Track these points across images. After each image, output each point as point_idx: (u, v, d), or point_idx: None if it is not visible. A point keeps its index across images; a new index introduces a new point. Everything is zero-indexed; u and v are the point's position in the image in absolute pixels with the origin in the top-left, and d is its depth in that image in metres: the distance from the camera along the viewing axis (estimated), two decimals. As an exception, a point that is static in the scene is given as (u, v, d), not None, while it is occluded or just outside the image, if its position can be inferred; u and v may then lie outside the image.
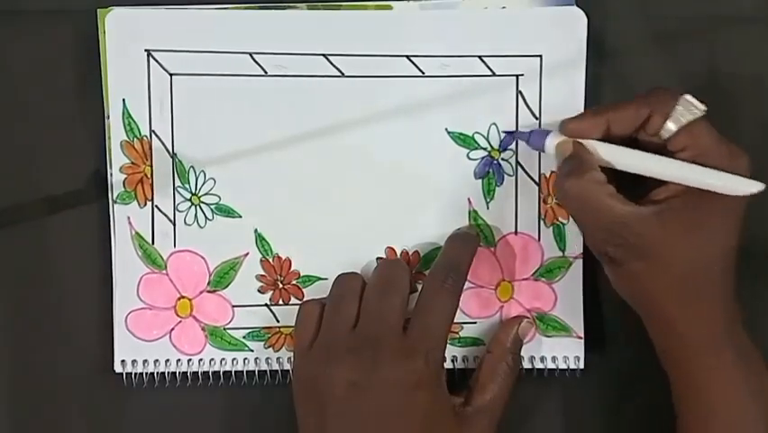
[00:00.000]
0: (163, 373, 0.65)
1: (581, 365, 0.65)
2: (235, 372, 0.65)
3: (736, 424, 0.56)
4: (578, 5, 0.63)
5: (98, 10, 0.62)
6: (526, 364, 0.65)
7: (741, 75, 0.66)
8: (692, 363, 0.57)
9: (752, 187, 0.54)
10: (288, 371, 0.65)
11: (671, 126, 0.56)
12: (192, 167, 0.64)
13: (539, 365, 0.65)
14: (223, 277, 0.64)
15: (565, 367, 0.65)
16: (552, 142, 0.59)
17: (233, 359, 0.65)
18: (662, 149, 0.57)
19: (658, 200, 0.56)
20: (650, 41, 0.66)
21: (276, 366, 0.65)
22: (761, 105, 0.66)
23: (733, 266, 0.57)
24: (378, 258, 0.64)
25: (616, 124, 0.57)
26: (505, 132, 0.64)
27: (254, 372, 0.66)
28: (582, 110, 0.64)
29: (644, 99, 0.57)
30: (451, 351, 0.65)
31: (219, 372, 0.65)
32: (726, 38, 0.66)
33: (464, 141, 0.64)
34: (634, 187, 0.58)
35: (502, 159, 0.64)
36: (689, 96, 0.56)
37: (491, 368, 0.62)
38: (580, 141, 0.58)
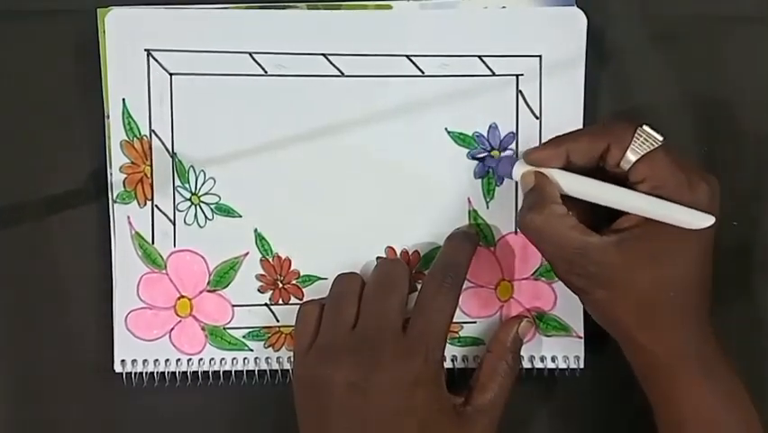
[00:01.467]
0: (163, 373, 0.65)
1: (581, 365, 0.65)
2: (235, 371, 0.65)
3: None
4: (578, 5, 0.63)
5: (98, 10, 0.63)
6: (526, 364, 0.65)
7: (741, 75, 0.66)
8: (661, 381, 0.57)
9: (703, 221, 0.55)
10: (288, 370, 0.65)
11: (630, 157, 0.56)
12: (192, 166, 0.64)
13: (539, 365, 0.65)
14: (222, 277, 0.64)
15: (565, 367, 0.65)
16: (517, 171, 0.59)
17: (233, 359, 0.65)
18: (626, 179, 0.57)
19: (619, 229, 0.57)
20: (650, 42, 0.66)
21: (276, 366, 0.65)
22: (761, 106, 0.66)
23: (703, 291, 0.57)
24: (378, 258, 0.64)
25: (575, 155, 0.58)
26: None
27: (254, 371, 0.66)
28: (582, 110, 0.64)
29: (602, 130, 0.58)
30: (451, 350, 0.65)
31: (219, 371, 0.65)
32: (727, 38, 0.66)
33: (464, 140, 0.64)
34: (606, 215, 0.58)
35: (501, 158, 0.64)
36: (646, 127, 0.56)
37: (491, 368, 0.62)
38: (542, 172, 0.58)
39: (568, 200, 0.58)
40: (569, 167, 0.58)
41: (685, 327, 0.57)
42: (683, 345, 0.56)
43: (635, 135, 0.56)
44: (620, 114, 0.66)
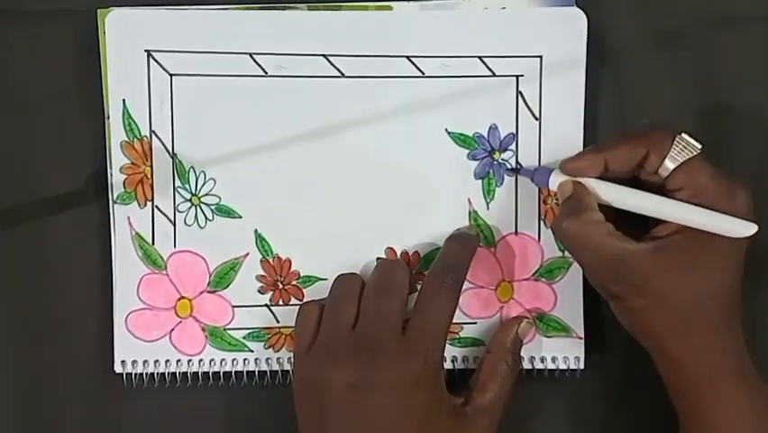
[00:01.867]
0: (163, 374, 0.65)
1: (581, 366, 0.65)
2: (235, 372, 0.65)
3: None
4: (578, 6, 0.63)
5: (98, 10, 0.62)
6: (527, 365, 0.65)
7: (741, 75, 0.66)
8: (694, 392, 0.58)
9: (747, 229, 0.55)
10: (289, 371, 0.65)
11: (668, 165, 0.57)
12: (192, 167, 0.64)
13: (539, 366, 0.65)
14: (223, 277, 0.64)
15: (565, 368, 0.65)
16: (555, 180, 0.60)
17: (234, 360, 0.65)
18: (661, 187, 0.58)
19: (657, 237, 0.57)
20: (650, 41, 0.66)
21: (276, 367, 0.65)
22: (761, 106, 0.66)
23: (735, 301, 0.57)
24: (378, 258, 0.64)
25: (614, 163, 0.58)
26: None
27: (254, 372, 0.66)
28: (582, 111, 0.64)
29: (641, 138, 0.58)
30: (451, 351, 0.65)
31: (219, 372, 0.65)
32: (727, 38, 0.66)
33: (464, 141, 0.64)
34: (639, 223, 0.59)
35: (502, 159, 0.64)
36: (686, 135, 0.57)
37: (491, 368, 0.62)
38: (579, 180, 0.59)
39: (602, 210, 0.58)
40: (605, 176, 0.59)
41: (720, 337, 0.57)
42: (718, 355, 0.57)
43: (674, 143, 0.56)
44: (620, 114, 0.66)
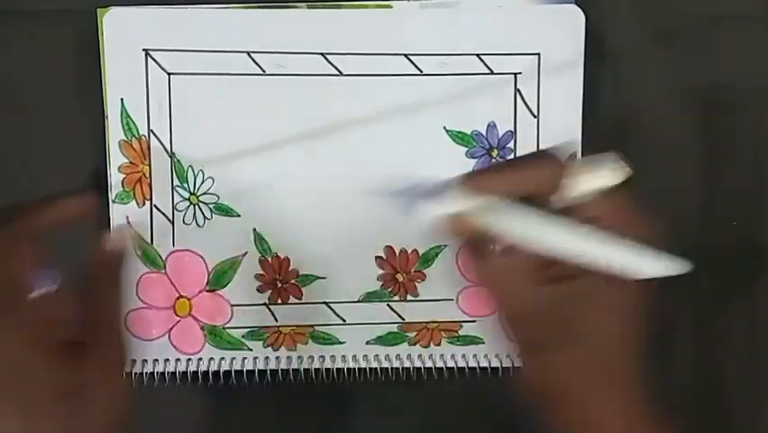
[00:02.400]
0: (163, 374, 0.65)
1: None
2: (235, 372, 0.65)
3: None
4: (576, 4, 0.63)
5: (98, 10, 0.63)
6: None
7: (741, 75, 0.66)
8: None
9: (671, 269, 0.48)
10: (288, 370, 0.65)
11: (581, 191, 0.48)
12: (191, 166, 0.64)
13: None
14: (221, 276, 0.64)
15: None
16: (450, 203, 0.49)
17: (233, 358, 0.65)
18: (573, 216, 0.49)
19: (574, 276, 0.49)
20: (650, 41, 0.66)
21: (275, 366, 0.65)
22: (761, 105, 0.66)
23: (633, 348, 0.51)
24: (377, 257, 0.64)
25: (520, 185, 0.49)
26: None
27: (254, 372, 0.66)
28: (580, 109, 0.64)
29: (548, 159, 0.50)
30: (450, 350, 0.65)
31: (219, 372, 0.65)
32: (727, 38, 0.66)
33: (463, 139, 0.64)
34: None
35: (500, 157, 0.64)
36: (595, 159, 0.49)
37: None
38: (485, 209, 0.49)
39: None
40: (510, 200, 0.49)
41: (635, 389, 0.51)
42: (628, 400, 0.51)
43: (591, 167, 0.49)
44: (620, 114, 0.66)
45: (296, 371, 0.66)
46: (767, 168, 0.66)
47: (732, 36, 0.66)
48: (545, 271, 0.49)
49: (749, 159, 0.67)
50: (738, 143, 0.66)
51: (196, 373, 0.65)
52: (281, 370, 0.65)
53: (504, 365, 0.65)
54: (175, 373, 0.65)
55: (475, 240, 0.50)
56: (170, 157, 0.64)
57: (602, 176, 0.48)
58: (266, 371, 0.66)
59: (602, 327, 0.50)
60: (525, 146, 0.64)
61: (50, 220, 0.56)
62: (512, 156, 0.64)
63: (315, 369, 0.66)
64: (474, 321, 0.65)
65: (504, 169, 0.51)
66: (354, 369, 0.65)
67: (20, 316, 0.50)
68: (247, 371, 0.66)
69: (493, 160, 0.64)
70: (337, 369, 0.65)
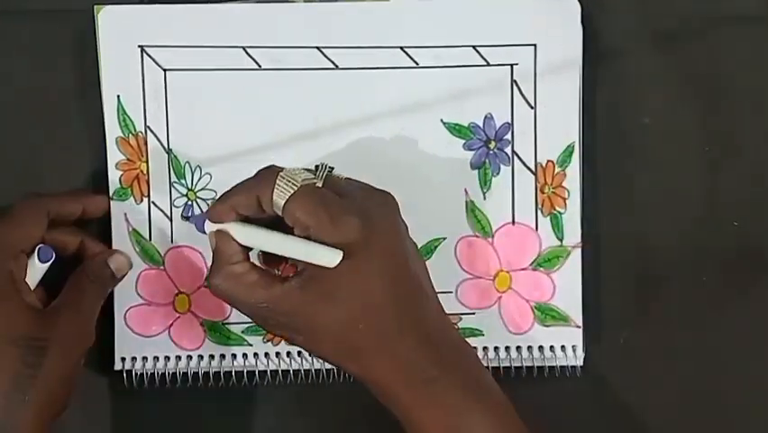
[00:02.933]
0: (163, 374, 0.65)
1: (580, 353, 0.65)
2: (235, 372, 0.65)
3: None
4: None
5: (95, 7, 0.63)
6: (525, 354, 0.65)
7: (741, 75, 0.66)
8: (398, 409, 0.56)
9: (332, 259, 0.54)
10: (288, 371, 0.65)
11: (278, 203, 0.56)
12: (188, 162, 0.64)
13: (537, 355, 0.65)
14: (220, 272, 0.64)
15: (563, 356, 0.65)
16: (208, 228, 0.58)
17: (233, 354, 0.65)
18: None
19: (299, 274, 0.56)
20: (649, 38, 0.66)
21: (275, 362, 0.65)
22: (761, 105, 0.66)
23: (396, 317, 0.55)
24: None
25: (240, 208, 0.57)
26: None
27: (254, 372, 0.66)
28: (578, 100, 0.64)
29: (249, 182, 0.57)
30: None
31: (219, 372, 0.65)
32: (727, 38, 0.66)
33: (460, 131, 0.64)
34: None
35: (498, 149, 0.64)
36: (288, 170, 0.56)
37: (77, 274, 0.61)
38: (222, 228, 0.57)
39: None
40: (255, 218, 0.58)
41: (392, 350, 0.55)
42: (398, 366, 0.55)
43: (278, 180, 0.55)
44: (620, 113, 0.66)
45: (296, 371, 0.66)
46: (767, 168, 0.66)
47: (732, 37, 0.66)
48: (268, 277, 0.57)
49: (749, 159, 0.66)
50: (738, 143, 0.66)
51: (196, 373, 0.65)
52: (282, 371, 0.65)
53: (503, 357, 0.65)
54: (175, 373, 0.65)
55: (215, 257, 0.58)
56: (168, 153, 0.64)
57: (288, 187, 0.55)
58: (266, 371, 0.65)
59: (320, 315, 0.55)
60: (522, 138, 0.64)
61: (63, 207, 0.62)
62: (509, 147, 0.64)
63: (315, 370, 0.65)
64: (474, 313, 0.65)
65: (225, 196, 0.58)
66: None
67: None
68: (248, 372, 0.65)
69: (491, 152, 0.64)
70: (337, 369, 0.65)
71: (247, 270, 0.56)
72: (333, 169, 0.57)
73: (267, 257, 0.60)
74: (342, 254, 0.54)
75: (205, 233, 0.58)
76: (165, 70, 0.63)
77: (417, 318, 0.56)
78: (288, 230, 0.56)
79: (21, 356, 0.55)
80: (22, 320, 0.57)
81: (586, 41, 0.64)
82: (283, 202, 0.55)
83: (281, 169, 0.56)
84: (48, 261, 0.59)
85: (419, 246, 0.64)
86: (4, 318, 0.56)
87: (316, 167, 0.57)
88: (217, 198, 0.59)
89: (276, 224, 0.57)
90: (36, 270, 0.59)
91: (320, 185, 0.56)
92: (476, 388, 0.56)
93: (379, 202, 0.57)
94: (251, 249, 0.58)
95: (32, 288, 0.59)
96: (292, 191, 0.55)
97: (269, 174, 0.56)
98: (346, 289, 0.55)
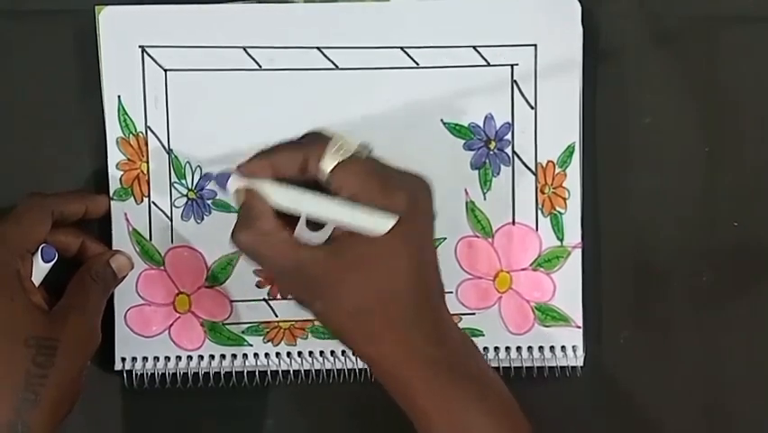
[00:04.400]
0: (163, 374, 0.65)
1: (580, 353, 0.65)
2: (235, 372, 0.65)
3: None
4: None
5: (95, 7, 0.63)
6: (525, 355, 0.65)
7: (741, 75, 0.66)
8: (404, 392, 0.56)
9: (382, 225, 0.54)
10: (288, 371, 0.65)
11: (325, 167, 0.55)
12: (188, 162, 0.64)
13: (537, 355, 0.65)
14: (220, 272, 0.64)
15: (563, 356, 0.65)
16: (232, 184, 0.57)
17: (233, 354, 0.65)
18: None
19: (330, 240, 0.55)
20: (649, 39, 0.66)
21: (275, 364, 0.65)
22: (761, 105, 0.66)
23: (419, 301, 0.56)
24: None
25: (280, 167, 0.56)
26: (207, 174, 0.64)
27: (254, 372, 0.66)
28: (578, 100, 0.64)
29: (296, 143, 0.57)
30: (450, 343, 0.65)
31: (219, 372, 0.65)
32: (727, 38, 0.66)
33: (460, 131, 0.64)
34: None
35: (498, 149, 0.64)
36: (340, 135, 0.56)
37: (79, 276, 0.61)
38: (253, 185, 0.56)
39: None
40: (285, 178, 0.57)
41: (407, 335, 0.55)
42: (410, 353, 0.55)
43: (330, 145, 0.55)
44: (620, 113, 0.66)
45: (296, 371, 0.66)
46: (767, 168, 0.66)
47: (732, 37, 0.66)
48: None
49: (749, 159, 0.66)
50: (738, 143, 0.66)
51: (196, 374, 0.65)
52: (282, 371, 0.65)
53: (503, 357, 0.65)
54: (176, 373, 0.65)
55: (245, 214, 0.56)
56: (168, 153, 0.64)
57: (340, 153, 0.55)
58: (267, 372, 0.66)
59: (347, 286, 0.55)
60: (523, 138, 0.64)
61: (67, 207, 0.62)
62: (510, 148, 0.64)
63: (315, 370, 0.66)
64: (474, 314, 0.65)
65: (271, 152, 0.57)
66: (354, 363, 0.65)
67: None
68: (248, 372, 0.65)
69: (491, 152, 0.64)
70: (338, 369, 0.66)
71: (278, 228, 0.56)
72: (372, 150, 0.57)
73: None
74: (395, 220, 0.54)
75: (225, 189, 0.57)
76: (166, 71, 0.63)
77: (433, 305, 0.56)
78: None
79: (32, 356, 0.56)
80: (30, 320, 0.57)
81: (586, 41, 0.64)
82: (332, 166, 0.55)
83: (331, 133, 0.56)
84: (51, 260, 0.59)
85: (419, 246, 0.64)
86: (13, 318, 0.57)
87: (359, 144, 0.56)
88: (254, 155, 0.57)
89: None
90: (39, 270, 0.59)
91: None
92: (482, 381, 0.56)
93: (422, 183, 0.57)
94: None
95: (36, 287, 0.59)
96: (345, 156, 0.55)
97: (320, 138, 0.56)
98: (379, 261, 0.55)
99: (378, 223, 0.54)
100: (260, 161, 0.56)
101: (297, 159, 0.56)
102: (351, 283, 0.55)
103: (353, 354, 0.61)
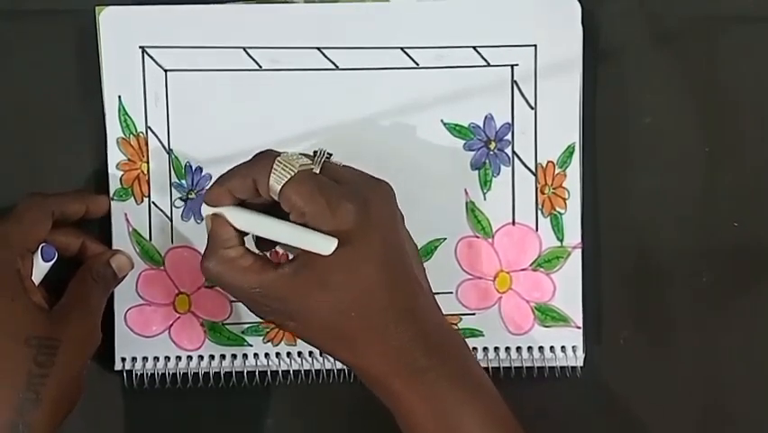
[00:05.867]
0: (163, 374, 0.65)
1: (580, 354, 0.65)
2: (235, 372, 0.65)
3: None
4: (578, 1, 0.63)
5: (96, 7, 0.63)
6: (525, 355, 0.65)
7: (741, 75, 0.66)
8: (390, 399, 0.56)
9: (327, 247, 0.54)
10: (288, 371, 0.65)
11: (274, 187, 0.55)
12: (188, 163, 0.64)
13: (537, 355, 0.65)
14: (220, 272, 0.64)
15: (563, 356, 0.65)
16: (204, 212, 0.58)
17: (233, 354, 0.65)
18: None
19: (293, 261, 0.56)
20: (649, 39, 0.66)
21: (275, 365, 0.65)
22: (761, 105, 0.66)
23: (387, 306, 0.56)
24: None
25: (236, 192, 0.57)
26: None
27: (254, 372, 0.66)
28: (578, 101, 0.64)
29: (247, 165, 0.57)
30: (450, 343, 0.65)
31: (219, 372, 0.65)
32: (727, 38, 0.66)
33: (460, 132, 0.64)
34: None
35: (498, 149, 0.64)
36: (286, 155, 0.56)
37: (80, 275, 0.62)
38: (218, 211, 0.57)
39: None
40: (250, 202, 0.58)
41: (380, 343, 0.55)
42: (383, 359, 0.55)
43: (275, 165, 0.55)
44: (621, 113, 0.66)
45: (296, 371, 0.66)
46: (767, 168, 0.66)
47: (732, 37, 0.66)
48: (262, 262, 0.57)
49: (749, 159, 0.66)
50: (738, 143, 0.66)
51: (196, 374, 0.65)
52: (282, 371, 0.65)
53: (503, 358, 0.65)
54: (176, 373, 0.65)
55: (209, 241, 0.58)
56: (168, 154, 0.64)
57: (285, 172, 0.55)
58: (267, 372, 0.66)
59: (312, 302, 0.55)
60: (523, 138, 0.64)
61: (67, 207, 0.62)
62: (510, 148, 0.64)
63: (315, 370, 0.66)
64: (474, 314, 0.65)
65: (223, 180, 0.57)
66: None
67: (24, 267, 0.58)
68: (248, 372, 0.65)
69: (491, 153, 0.64)
70: (338, 369, 0.65)
71: (241, 254, 0.57)
72: (331, 155, 0.57)
73: (262, 243, 0.60)
74: (336, 243, 0.54)
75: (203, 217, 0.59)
76: (166, 71, 0.63)
77: (410, 308, 0.56)
78: (285, 215, 0.56)
79: (33, 356, 0.56)
80: (31, 320, 0.57)
81: (586, 41, 0.64)
82: (279, 187, 0.55)
83: (278, 153, 0.56)
84: (51, 260, 0.59)
85: (419, 247, 0.64)
86: (14, 318, 0.57)
87: (314, 153, 0.57)
88: (214, 181, 0.59)
89: (274, 209, 0.57)
90: (39, 269, 0.59)
91: (317, 171, 0.56)
92: (466, 379, 0.56)
93: (375, 190, 0.57)
94: (246, 234, 0.58)
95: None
96: (289, 176, 0.55)
97: (266, 158, 0.56)
98: (340, 276, 0.55)
99: (321, 244, 0.54)
100: (218, 188, 0.57)
101: (247, 182, 0.57)
102: (317, 300, 0.55)
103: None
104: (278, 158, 0.56)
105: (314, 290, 0.55)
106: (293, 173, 0.55)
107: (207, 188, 0.59)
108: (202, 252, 0.63)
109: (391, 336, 0.55)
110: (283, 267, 0.56)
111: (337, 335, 0.56)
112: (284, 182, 0.55)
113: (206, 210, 0.58)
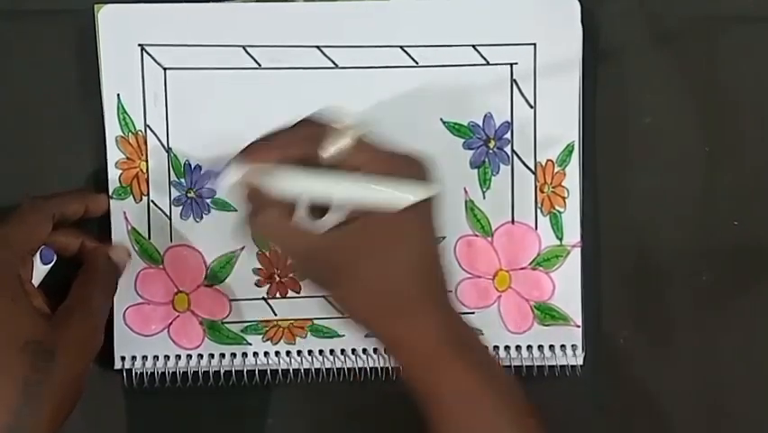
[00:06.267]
0: (163, 373, 0.65)
1: (580, 352, 0.65)
2: (235, 371, 0.65)
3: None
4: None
5: (95, 6, 0.63)
6: (525, 354, 0.65)
7: (741, 75, 0.66)
8: (415, 374, 0.55)
9: (402, 199, 0.53)
10: (288, 370, 0.65)
11: (339, 146, 0.54)
12: (187, 161, 0.64)
13: (537, 354, 0.65)
14: (219, 271, 0.64)
15: (562, 355, 0.65)
16: (233, 173, 0.55)
17: (232, 353, 0.65)
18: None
19: (345, 224, 0.54)
20: (649, 39, 0.66)
21: (275, 364, 0.65)
22: (761, 105, 0.66)
23: (434, 279, 0.56)
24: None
25: (285, 151, 0.55)
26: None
27: (254, 371, 0.66)
28: (577, 100, 0.64)
29: (297, 127, 0.56)
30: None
31: (219, 371, 0.65)
32: (727, 38, 0.66)
33: (459, 130, 0.64)
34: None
35: (498, 148, 0.64)
36: (347, 115, 0.55)
37: (82, 277, 0.61)
38: (256, 174, 0.55)
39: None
40: (282, 163, 0.55)
41: (426, 312, 0.55)
42: (428, 334, 0.55)
43: (341, 124, 0.54)
44: (621, 113, 0.66)
45: (296, 370, 0.66)
46: (767, 168, 0.66)
47: (732, 37, 0.66)
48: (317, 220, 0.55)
49: (749, 159, 0.66)
50: (738, 143, 0.66)
51: (196, 373, 0.65)
52: (282, 370, 0.65)
53: (502, 356, 0.65)
54: (175, 373, 0.65)
55: (254, 201, 0.55)
56: (167, 152, 0.64)
57: (352, 132, 0.54)
58: (266, 371, 0.66)
59: (364, 268, 0.54)
60: (522, 137, 0.64)
61: (67, 207, 0.62)
62: (509, 147, 0.64)
63: (315, 369, 0.66)
64: (473, 313, 0.65)
65: (272, 138, 0.56)
66: (354, 362, 0.65)
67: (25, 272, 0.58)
68: (248, 371, 0.65)
69: (490, 151, 0.64)
70: (337, 368, 0.66)
71: (287, 214, 0.55)
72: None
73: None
74: (424, 189, 0.54)
75: (223, 181, 0.56)
76: (165, 69, 0.63)
77: (446, 287, 0.57)
78: None
79: (30, 361, 0.55)
80: (32, 323, 0.56)
81: (586, 41, 0.64)
82: (347, 143, 0.54)
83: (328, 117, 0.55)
84: (50, 263, 0.59)
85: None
86: (14, 321, 0.56)
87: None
88: (253, 141, 0.56)
89: None
90: (38, 272, 0.59)
91: None
92: (490, 365, 0.57)
93: (425, 159, 0.56)
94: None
95: None
96: (358, 134, 0.54)
97: (323, 119, 0.55)
98: (394, 245, 0.54)
99: (401, 197, 0.53)
100: (264, 146, 0.56)
101: (301, 142, 0.55)
102: (368, 268, 0.54)
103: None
104: (345, 116, 0.55)
105: (368, 255, 0.54)
106: (361, 132, 0.54)
107: (249, 146, 0.56)
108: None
109: (434, 306, 0.55)
110: (333, 231, 0.54)
111: (384, 304, 0.55)
112: (353, 139, 0.54)
113: (238, 171, 0.55)
